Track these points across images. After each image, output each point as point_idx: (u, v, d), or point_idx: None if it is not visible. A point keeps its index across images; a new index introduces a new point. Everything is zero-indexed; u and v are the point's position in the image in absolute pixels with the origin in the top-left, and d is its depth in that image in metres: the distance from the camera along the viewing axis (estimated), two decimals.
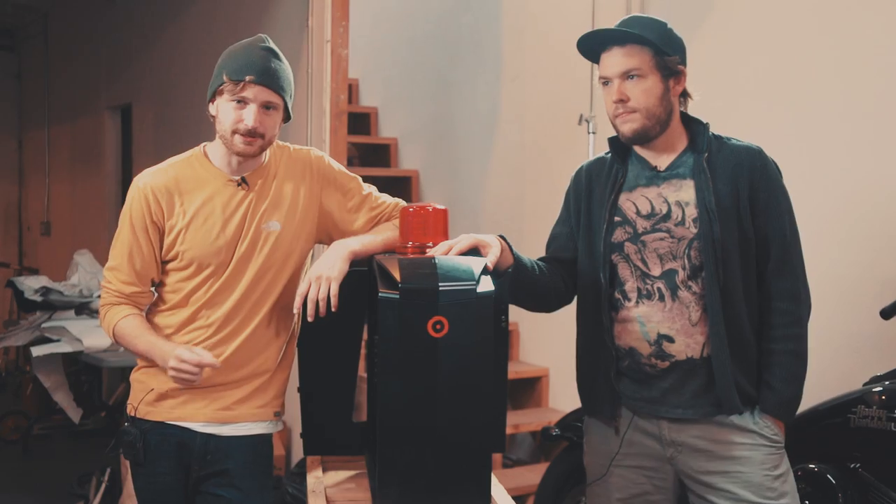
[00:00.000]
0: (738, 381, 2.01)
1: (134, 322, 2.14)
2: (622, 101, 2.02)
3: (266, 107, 2.06)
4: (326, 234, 2.26)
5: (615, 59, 2.03)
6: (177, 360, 2.00)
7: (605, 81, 2.06)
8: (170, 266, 2.16)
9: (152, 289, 2.21)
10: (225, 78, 2.05)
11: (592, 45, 2.08)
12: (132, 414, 2.17)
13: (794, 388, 2.05)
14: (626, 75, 2.01)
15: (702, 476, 2.04)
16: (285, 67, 2.11)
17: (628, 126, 2.04)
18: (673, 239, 2.03)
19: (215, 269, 2.13)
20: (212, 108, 2.13)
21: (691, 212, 2.02)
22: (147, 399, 2.15)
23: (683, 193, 2.04)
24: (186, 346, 2.06)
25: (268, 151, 2.18)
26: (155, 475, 2.17)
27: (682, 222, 2.03)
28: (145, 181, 2.14)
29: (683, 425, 2.05)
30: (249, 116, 2.04)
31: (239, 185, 2.13)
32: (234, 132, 2.06)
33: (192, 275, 2.13)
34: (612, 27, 2.07)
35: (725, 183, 2.01)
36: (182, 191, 2.12)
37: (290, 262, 2.19)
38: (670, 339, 2.03)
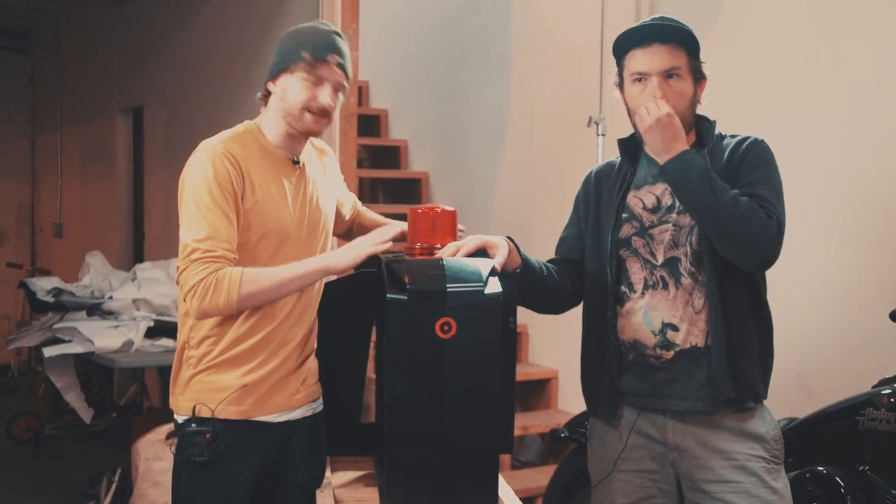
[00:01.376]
0: (739, 371, 2.00)
1: (260, 270, 1.97)
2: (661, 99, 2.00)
3: (337, 89, 2.09)
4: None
5: (658, 56, 2.02)
6: (372, 242, 1.98)
7: (640, 77, 2.04)
8: (242, 241, 2.04)
9: None
10: (305, 55, 2.03)
11: (630, 40, 2.07)
12: (206, 415, 2.06)
13: (699, 180, 1.93)
14: (667, 74, 2.02)
15: (701, 484, 2.03)
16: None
17: None
18: (676, 228, 2.05)
19: (289, 245, 2.09)
20: (273, 87, 2.09)
21: None
22: (228, 398, 2.06)
23: None
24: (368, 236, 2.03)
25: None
26: (227, 475, 2.07)
27: (683, 210, 2.04)
28: (223, 145, 2.02)
29: (688, 425, 2.05)
30: (325, 95, 2.05)
31: (294, 163, 2.14)
32: (306, 109, 2.05)
33: (271, 249, 2.07)
34: (657, 22, 2.05)
35: (722, 169, 2.02)
36: (249, 161, 2.05)
37: (329, 243, 2.25)
38: (674, 328, 2.03)
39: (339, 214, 2.37)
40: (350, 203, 2.42)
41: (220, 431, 2.04)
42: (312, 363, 2.22)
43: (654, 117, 1.95)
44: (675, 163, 1.96)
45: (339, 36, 2.10)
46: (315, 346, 2.23)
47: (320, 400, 2.24)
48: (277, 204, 2.06)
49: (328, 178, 2.28)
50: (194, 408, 2.05)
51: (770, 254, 1.92)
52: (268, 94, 2.11)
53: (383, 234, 2.04)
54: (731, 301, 2.01)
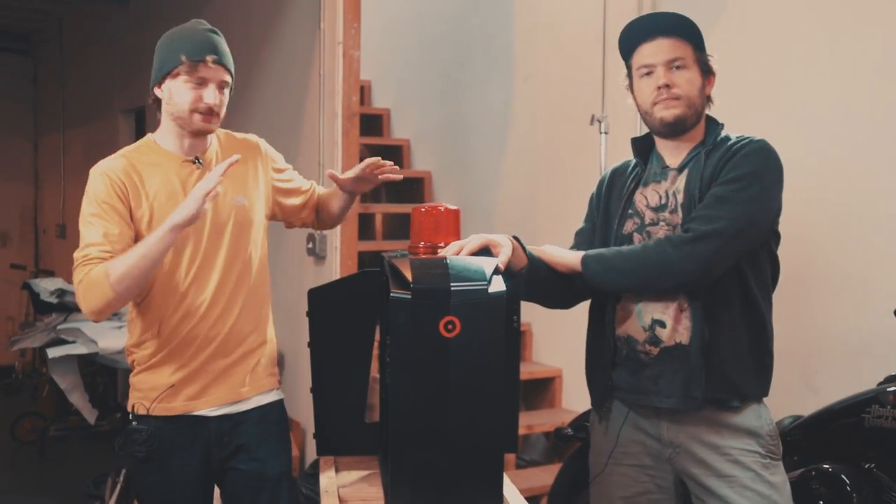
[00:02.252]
0: (721, 371, 2.00)
1: (123, 255, 2.04)
2: (667, 86, 2.04)
3: (221, 86, 2.15)
4: (272, 213, 2.40)
5: (661, 48, 2.06)
6: (197, 195, 1.99)
7: (648, 71, 2.08)
8: None
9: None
10: (183, 59, 2.11)
11: (636, 35, 2.11)
12: (143, 412, 2.20)
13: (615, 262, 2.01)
14: (671, 64, 2.05)
15: (699, 478, 2.05)
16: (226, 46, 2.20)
17: (670, 112, 2.05)
18: (669, 227, 2.06)
19: (192, 247, 2.17)
20: (160, 92, 2.18)
21: (681, 198, 2.06)
22: (160, 396, 2.18)
23: (679, 183, 2.08)
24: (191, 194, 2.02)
25: (218, 132, 2.28)
26: (169, 469, 2.20)
27: (675, 210, 2.06)
28: (104, 166, 2.15)
29: (682, 424, 2.05)
30: (210, 95, 2.12)
31: (194, 163, 2.20)
32: (194, 111, 2.12)
33: (173, 251, 2.14)
34: (661, 13, 2.11)
35: (713, 170, 2.03)
36: (140, 174, 2.15)
37: (259, 236, 2.29)
38: (662, 325, 2.05)
39: (286, 205, 2.41)
40: (304, 189, 2.46)
41: (157, 428, 2.18)
42: (262, 356, 2.29)
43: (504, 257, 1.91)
44: (585, 272, 2.03)
45: (216, 33, 2.18)
46: (264, 338, 2.30)
47: (274, 391, 2.32)
48: (169, 207, 2.11)
49: (250, 173, 2.30)
50: (133, 406, 2.22)
51: (697, 276, 1.95)
52: (157, 99, 2.20)
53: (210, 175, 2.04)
54: (718, 301, 2.01)
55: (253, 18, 5.27)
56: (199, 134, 2.18)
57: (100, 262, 2.03)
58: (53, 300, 4.97)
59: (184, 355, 2.20)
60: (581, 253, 2.08)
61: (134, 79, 7.18)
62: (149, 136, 2.25)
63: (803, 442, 2.64)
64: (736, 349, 2.02)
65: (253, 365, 2.28)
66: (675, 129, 2.08)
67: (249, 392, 2.27)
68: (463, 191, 5.49)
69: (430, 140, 5.98)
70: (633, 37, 2.11)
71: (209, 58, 2.11)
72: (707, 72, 2.09)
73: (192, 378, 2.21)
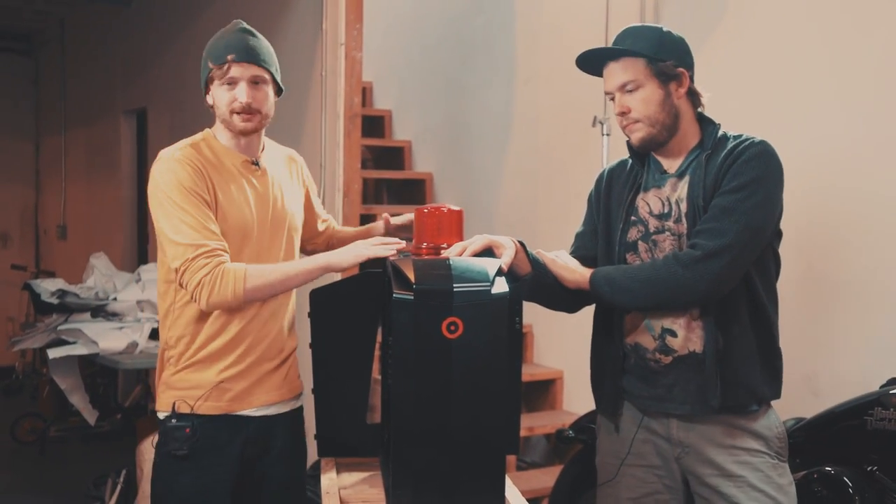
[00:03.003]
0: (737, 377, 2.00)
1: (262, 267, 2.08)
2: (624, 113, 2.06)
3: (254, 82, 2.16)
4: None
5: (612, 75, 2.07)
6: (368, 250, 2.03)
7: (611, 97, 2.10)
8: None
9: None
10: (210, 65, 2.16)
11: (594, 64, 2.12)
12: (185, 411, 2.17)
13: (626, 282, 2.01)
14: (624, 88, 2.05)
15: (706, 478, 2.04)
16: (263, 43, 2.22)
17: (635, 135, 2.07)
18: (674, 236, 2.05)
19: (250, 246, 2.18)
20: (209, 99, 2.22)
21: (684, 208, 2.04)
22: (206, 395, 2.16)
23: (680, 191, 2.07)
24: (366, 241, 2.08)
25: (265, 139, 2.29)
26: (204, 469, 2.17)
27: (679, 219, 2.05)
28: (180, 152, 2.15)
29: (693, 424, 2.05)
30: (241, 93, 2.14)
31: (254, 164, 2.23)
32: (232, 112, 2.15)
33: (234, 247, 2.15)
34: (604, 46, 2.13)
35: (715, 173, 2.01)
36: (207, 166, 2.16)
37: (299, 244, 2.35)
38: (673, 334, 2.04)
39: (311, 223, 2.47)
40: (324, 218, 2.55)
41: (199, 426, 2.16)
42: (294, 359, 2.32)
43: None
44: (594, 292, 2.04)
45: (246, 32, 2.20)
46: (296, 343, 2.29)
47: (301, 395, 2.33)
48: (237, 203, 2.15)
49: (295, 185, 2.37)
50: (174, 404, 2.18)
51: (709, 294, 1.95)
52: (212, 106, 2.24)
53: (385, 239, 2.10)
54: (729, 309, 2.01)
55: (255, 19, 5.25)
56: (245, 133, 2.19)
57: (223, 255, 2.04)
58: (54, 301, 4.96)
59: (233, 354, 2.19)
60: (589, 271, 2.07)
61: (136, 80, 7.19)
62: (207, 130, 2.26)
63: (806, 444, 2.64)
64: (748, 354, 2.02)
65: (289, 367, 2.30)
66: (649, 147, 2.09)
67: (287, 394, 2.28)
68: (464, 192, 5.49)
69: (431, 141, 5.98)
70: (591, 67, 2.13)
71: (229, 57, 2.13)
72: (669, 78, 2.04)
73: (239, 378, 2.19)
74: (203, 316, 2.16)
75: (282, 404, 2.28)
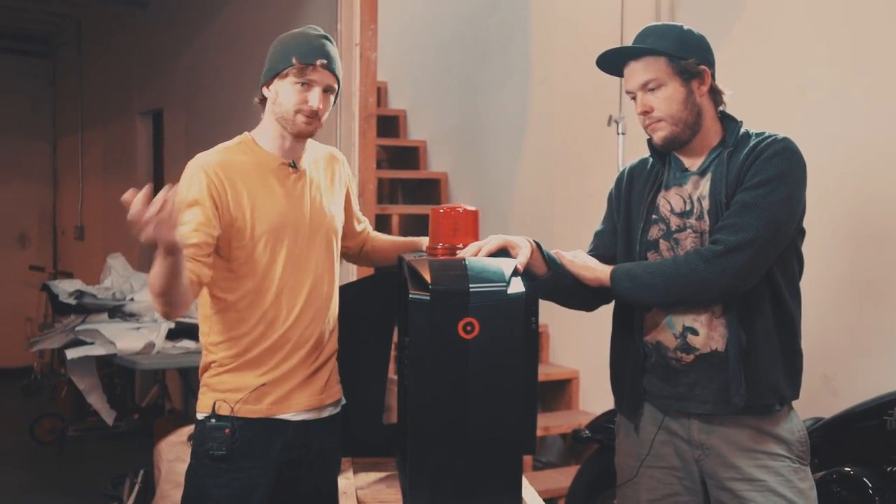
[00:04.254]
0: (759, 376, 1.98)
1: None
2: (647, 112, 2.05)
3: (327, 90, 2.17)
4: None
5: (634, 73, 2.06)
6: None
7: (632, 96, 2.09)
8: (240, 249, 2.13)
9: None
10: (294, 61, 2.13)
11: (614, 64, 2.11)
12: (225, 413, 2.15)
13: (648, 278, 2.00)
14: (646, 87, 2.04)
15: (726, 482, 2.02)
16: (337, 53, 2.23)
17: (658, 134, 2.06)
18: (696, 234, 2.04)
19: (287, 249, 2.16)
20: (267, 91, 2.20)
21: (706, 205, 2.03)
22: (248, 397, 2.15)
23: (703, 188, 2.06)
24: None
25: (309, 140, 2.28)
26: (240, 471, 2.15)
27: (701, 216, 2.04)
28: (204, 160, 2.15)
29: (713, 425, 2.04)
30: (315, 98, 2.14)
31: (291, 166, 2.21)
32: (298, 112, 2.15)
33: (269, 252, 2.15)
34: (625, 45, 2.10)
35: (736, 171, 2.01)
36: (240, 171, 2.15)
37: (339, 246, 2.32)
38: (695, 332, 2.03)
39: (349, 222, 2.42)
40: (361, 219, 2.49)
41: (239, 427, 2.13)
42: (334, 364, 2.24)
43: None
44: (615, 288, 2.03)
45: (329, 40, 2.20)
46: (336, 347, 2.25)
47: (340, 401, 2.26)
48: (269, 207, 2.15)
49: (336, 186, 2.34)
50: (214, 404, 2.15)
51: (730, 290, 1.94)
52: (263, 99, 2.22)
53: None
54: (752, 306, 1.99)
55: (269, 20, 5.29)
56: (301, 136, 2.19)
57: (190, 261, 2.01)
58: (72, 301, 4.99)
59: (274, 358, 2.17)
60: (609, 268, 2.06)
61: (152, 81, 7.22)
62: (246, 134, 2.25)
63: (824, 444, 2.62)
64: (772, 352, 2.01)
65: (330, 371, 2.26)
66: (672, 146, 2.08)
67: (326, 399, 2.25)
68: (479, 192, 5.48)
69: (446, 141, 5.97)
70: (611, 67, 2.12)
71: (319, 62, 2.13)
72: (691, 75, 2.03)
73: (279, 382, 2.17)
74: (241, 322, 2.15)
75: (322, 409, 2.24)
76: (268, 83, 2.20)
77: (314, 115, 2.15)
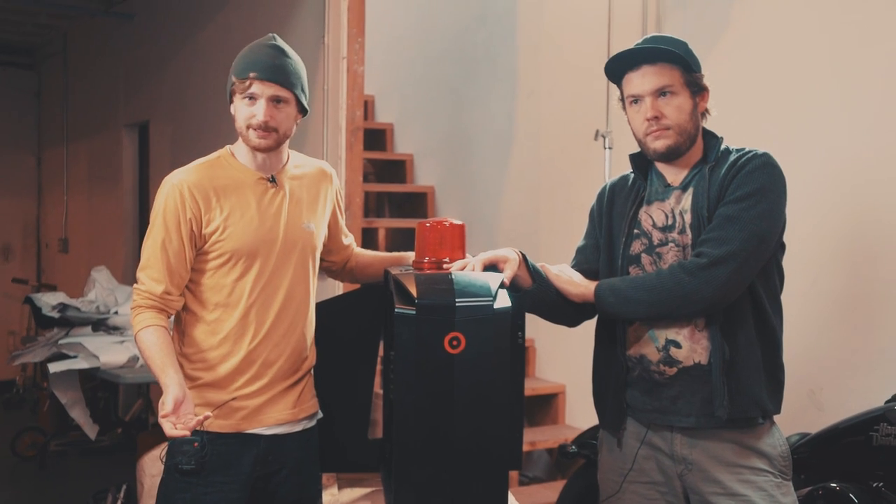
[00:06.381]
0: (742, 389, 1.98)
1: (153, 337, 2.11)
2: (656, 118, 2.03)
3: (275, 101, 2.14)
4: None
5: (647, 77, 2.04)
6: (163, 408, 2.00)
7: (635, 100, 2.07)
8: (210, 265, 2.16)
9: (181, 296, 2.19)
10: (233, 78, 2.16)
11: (620, 65, 2.09)
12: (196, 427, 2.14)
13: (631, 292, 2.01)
14: (659, 92, 2.03)
15: (709, 497, 2.02)
16: (293, 62, 2.19)
17: (662, 142, 2.05)
18: (678, 247, 2.05)
19: (258, 267, 2.16)
20: (231, 109, 2.21)
21: (688, 219, 2.04)
22: (216, 412, 2.14)
23: (685, 202, 2.07)
24: (175, 392, 2.02)
25: (289, 153, 2.27)
26: (211, 486, 2.14)
27: (683, 230, 2.05)
28: (179, 178, 2.15)
29: (696, 439, 2.04)
30: (259, 111, 2.13)
31: (269, 181, 2.20)
32: (248, 127, 2.14)
33: (240, 268, 2.15)
34: (642, 45, 2.07)
35: (718, 186, 2.02)
36: (216, 187, 2.15)
37: (317, 261, 2.30)
38: (677, 345, 2.03)
39: (336, 239, 2.40)
40: (346, 234, 2.46)
41: (209, 441, 2.12)
42: (309, 379, 2.24)
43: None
44: (599, 304, 2.04)
45: (275, 49, 2.18)
46: (313, 362, 2.24)
47: (316, 415, 2.25)
48: (242, 226, 2.14)
49: (321, 201, 2.32)
50: None
51: (715, 302, 1.95)
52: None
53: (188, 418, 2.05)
54: (735, 319, 2.00)
55: (256, 33, 5.27)
56: (260, 150, 2.17)
57: (148, 298, 2.13)
58: (55, 314, 4.95)
59: (244, 375, 2.17)
60: (593, 283, 2.06)
61: (138, 93, 7.20)
62: (227, 147, 2.25)
63: (811, 460, 2.62)
64: (754, 365, 2.01)
65: (304, 386, 2.25)
66: (669, 157, 2.08)
67: (300, 413, 2.23)
68: (466, 206, 5.48)
69: (433, 155, 5.98)
70: (619, 66, 2.10)
71: (251, 74, 2.12)
72: (698, 90, 2.07)
73: (249, 397, 2.17)
74: (209, 337, 2.16)
75: (295, 423, 2.23)
76: (231, 102, 2.21)
77: (265, 128, 2.13)
